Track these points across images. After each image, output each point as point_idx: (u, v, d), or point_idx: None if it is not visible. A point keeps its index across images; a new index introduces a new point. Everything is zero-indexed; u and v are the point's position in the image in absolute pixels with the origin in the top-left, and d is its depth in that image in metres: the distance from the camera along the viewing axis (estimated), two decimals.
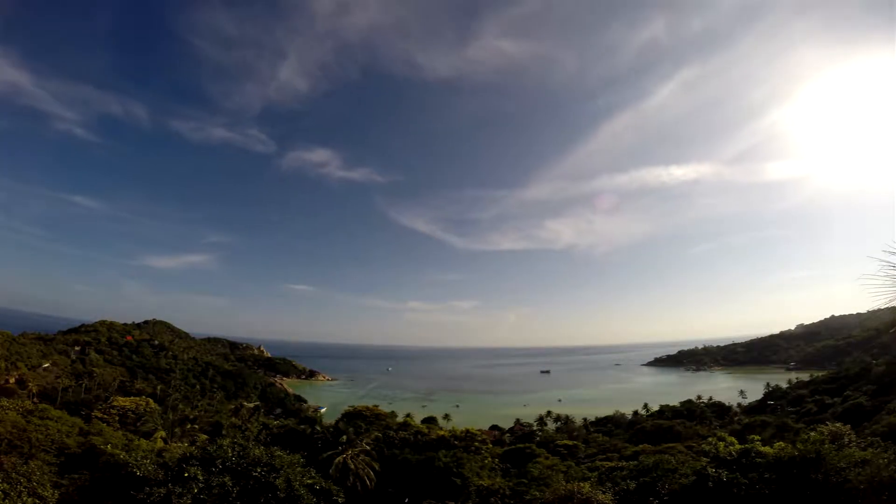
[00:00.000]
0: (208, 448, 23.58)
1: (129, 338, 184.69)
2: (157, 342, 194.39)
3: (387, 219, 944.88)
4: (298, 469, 23.69)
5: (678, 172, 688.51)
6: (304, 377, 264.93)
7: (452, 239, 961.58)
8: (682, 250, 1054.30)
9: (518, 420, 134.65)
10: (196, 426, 54.03)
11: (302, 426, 54.46)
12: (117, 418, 55.96)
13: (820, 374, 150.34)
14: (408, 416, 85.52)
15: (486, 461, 51.48)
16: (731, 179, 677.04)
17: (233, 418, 75.47)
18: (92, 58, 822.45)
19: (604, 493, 26.51)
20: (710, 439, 34.68)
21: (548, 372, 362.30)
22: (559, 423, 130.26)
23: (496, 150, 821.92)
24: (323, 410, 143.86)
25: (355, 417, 71.46)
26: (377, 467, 39.86)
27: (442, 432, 62.07)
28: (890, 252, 8.31)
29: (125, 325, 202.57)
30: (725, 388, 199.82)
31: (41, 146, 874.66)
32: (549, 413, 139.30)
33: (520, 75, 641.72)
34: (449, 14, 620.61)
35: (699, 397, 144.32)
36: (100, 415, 55.63)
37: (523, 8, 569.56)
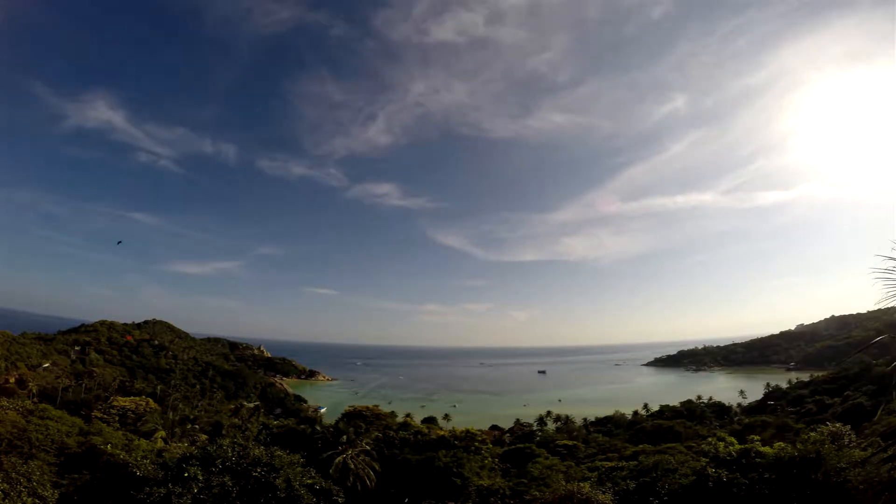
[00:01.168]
0: (208, 448, 23.58)
1: (129, 338, 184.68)
2: (157, 342, 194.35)
3: (424, 236, 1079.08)
4: (298, 469, 23.69)
5: (681, 200, 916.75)
6: (304, 377, 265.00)
7: (477, 251, 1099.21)
8: (682, 260, 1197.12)
9: (518, 420, 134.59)
10: (196, 426, 54.06)
11: (302, 426, 54.55)
12: (117, 418, 55.90)
13: (820, 374, 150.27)
14: (408, 416, 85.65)
15: (486, 461, 51.45)
16: (727, 205, 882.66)
17: (233, 418, 75.52)
18: (196, 108, 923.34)
19: (604, 493, 26.50)
20: (710, 439, 34.70)
21: (544, 372, 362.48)
22: (559, 423, 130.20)
23: (533, 187, 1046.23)
24: (323, 410, 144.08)
25: (355, 417, 71.55)
26: (377, 467, 39.85)
27: (442, 432, 62.06)
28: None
29: (125, 325, 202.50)
30: (725, 388, 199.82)
31: (121, 174, 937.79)
32: (549, 413, 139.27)
33: (564, 137, 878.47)
34: (517, 97, 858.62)
35: (699, 397, 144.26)
36: (100, 415, 55.57)
37: (576, 93, 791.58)
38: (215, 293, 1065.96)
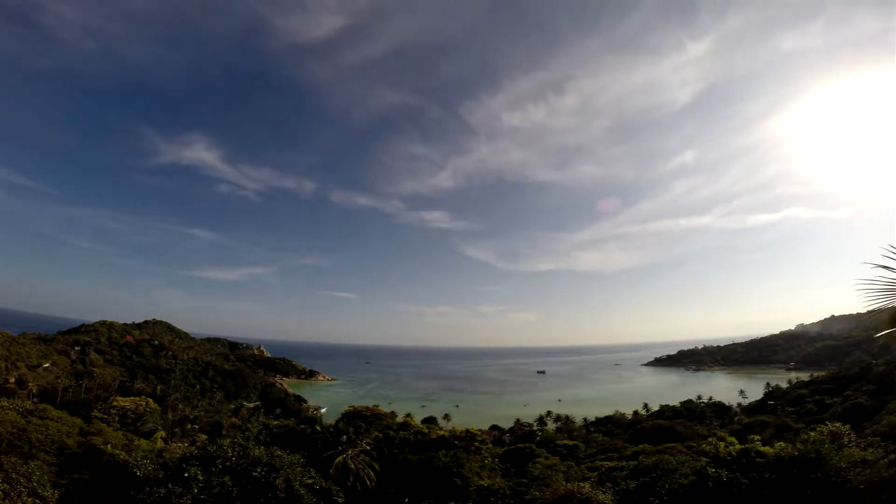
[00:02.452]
0: (208, 448, 23.59)
1: (128, 338, 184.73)
2: (157, 342, 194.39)
3: (454, 250, 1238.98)
4: (298, 469, 23.68)
5: (682, 223, 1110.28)
6: (304, 377, 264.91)
7: (498, 262, 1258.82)
8: (681, 269, 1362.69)
9: (518, 420, 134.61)
10: (196, 426, 54.15)
11: (302, 426, 54.48)
12: (117, 418, 55.91)
13: (820, 374, 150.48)
14: (408, 416, 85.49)
15: (486, 461, 51.45)
16: (721, 226, 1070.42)
17: (233, 418, 75.61)
18: (288, 155, 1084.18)
19: (604, 492, 26.48)
20: (710, 439, 34.70)
21: (543, 372, 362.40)
22: (559, 423, 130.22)
23: (559, 215, 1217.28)
24: (323, 410, 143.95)
25: (355, 417, 71.51)
26: (377, 467, 39.82)
27: (442, 432, 62.06)
28: (888, 257, 8.51)
29: (125, 325, 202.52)
30: (725, 388, 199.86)
31: (199, 200, 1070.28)
32: (549, 413, 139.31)
33: (591, 182, 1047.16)
34: (559, 157, 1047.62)
35: (699, 397, 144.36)
36: (100, 415, 55.54)
37: (608, 154, 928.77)
38: (239, 297, 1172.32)
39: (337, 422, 67.54)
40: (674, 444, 60.48)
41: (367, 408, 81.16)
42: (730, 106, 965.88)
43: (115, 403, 62.17)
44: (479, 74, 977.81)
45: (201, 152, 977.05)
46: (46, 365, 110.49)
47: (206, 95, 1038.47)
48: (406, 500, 40.30)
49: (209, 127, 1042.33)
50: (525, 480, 40.74)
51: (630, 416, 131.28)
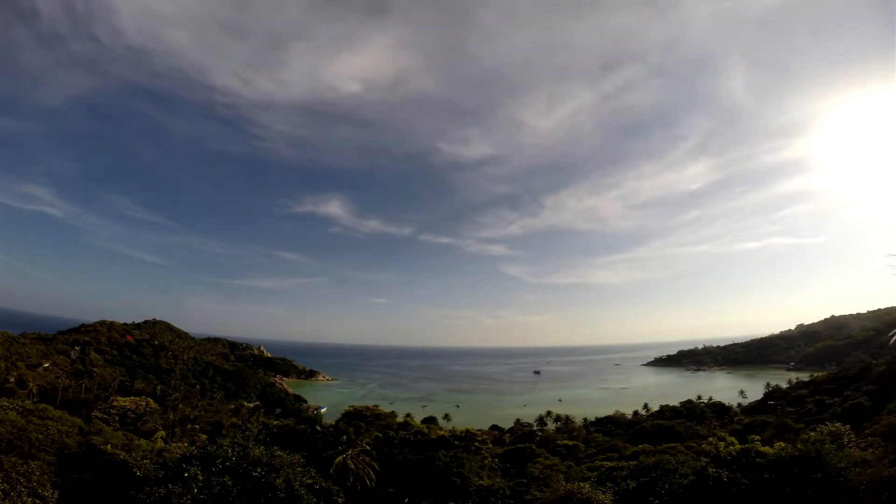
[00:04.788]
0: (208, 448, 23.59)
1: (129, 338, 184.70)
2: (157, 342, 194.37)
3: (495, 269, 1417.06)
4: (298, 469, 23.69)
5: (684, 250, 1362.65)
6: (303, 377, 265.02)
7: (527, 277, 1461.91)
8: (679, 281, 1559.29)
9: (518, 420, 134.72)
10: (196, 426, 54.08)
11: (302, 426, 54.53)
12: (117, 418, 55.81)
13: (820, 374, 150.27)
14: (408, 416, 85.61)
15: (486, 461, 51.46)
16: (716, 251, 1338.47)
17: (233, 418, 75.54)
18: (403, 213, 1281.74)
19: (604, 493, 26.46)
20: (710, 439, 34.73)
21: (538, 373, 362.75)
22: (559, 423, 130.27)
23: (590, 249, 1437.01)
24: (323, 410, 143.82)
25: (355, 417, 71.54)
26: (377, 467, 39.85)
27: (442, 432, 62.13)
28: None
29: (125, 324, 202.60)
30: (725, 388, 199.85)
31: (310, 237, 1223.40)
32: (549, 413, 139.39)
33: (621, 230, 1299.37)
34: (599, 219, 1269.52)
35: (699, 397, 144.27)
36: (100, 415, 55.45)
37: (635, 215, 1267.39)
38: (273, 303, 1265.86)
39: (337, 422, 67.59)
40: (674, 444, 60.49)
41: (367, 408, 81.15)
42: (724, 189, 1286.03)
43: (115, 403, 62.12)
44: (565, 181, 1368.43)
45: (335, 208, 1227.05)
46: (46, 365, 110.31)
47: (367, 178, 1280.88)
48: (406, 499, 40.29)
49: (352, 191, 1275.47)
50: (525, 480, 40.76)
51: (630, 416, 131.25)
